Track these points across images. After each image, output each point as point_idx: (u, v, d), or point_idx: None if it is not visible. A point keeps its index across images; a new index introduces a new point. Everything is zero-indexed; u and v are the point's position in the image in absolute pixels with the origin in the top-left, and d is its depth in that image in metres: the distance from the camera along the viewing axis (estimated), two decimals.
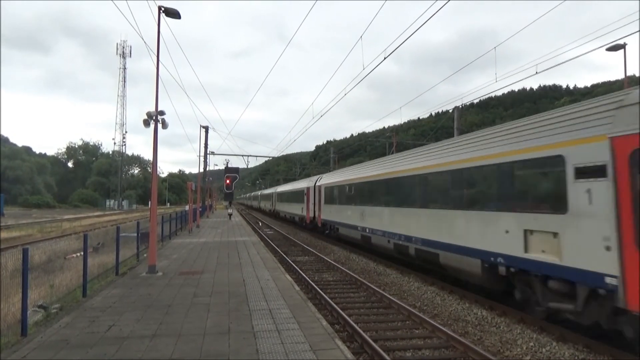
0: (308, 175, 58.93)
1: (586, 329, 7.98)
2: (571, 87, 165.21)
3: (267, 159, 54.21)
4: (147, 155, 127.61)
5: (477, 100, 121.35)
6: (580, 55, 14.76)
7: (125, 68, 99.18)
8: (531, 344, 7.98)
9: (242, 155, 43.18)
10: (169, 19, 13.33)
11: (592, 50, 15.22)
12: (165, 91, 56.47)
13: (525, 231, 8.77)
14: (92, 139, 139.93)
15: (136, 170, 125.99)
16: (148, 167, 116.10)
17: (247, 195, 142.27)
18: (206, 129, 37.71)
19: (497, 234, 9.69)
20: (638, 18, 12.45)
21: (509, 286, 9.80)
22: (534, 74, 19.51)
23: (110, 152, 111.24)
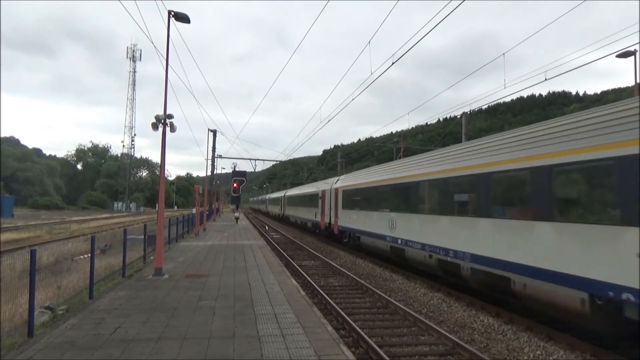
0: (316, 179, 60.69)
1: (594, 336, 7.89)
2: (581, 93, 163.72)
3: (274, 162, 54.38)
4: (154, 158, 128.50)
5: (486, 106, 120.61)
6: (591, 62, 14.67)
7: (135, 72, 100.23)
8: (538, 352, 7.89)
9: (250, 159, 43.30)
10: (174, 24, 13.44)
11: (602, 57, 15.13)
12: (173, 94, 56.89)
13: (315, 212, 31.65)
14: (101, 142, 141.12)
15: (144, 173, 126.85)
16: (156, 170, 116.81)
17: (252, 199, 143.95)
18: (214, 132, 37.87)
19: (309, 214, 34.34)
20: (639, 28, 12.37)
21: (319, 230, 31.35)
22: (542, 81, 19.33)
23: (119, 155, 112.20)
